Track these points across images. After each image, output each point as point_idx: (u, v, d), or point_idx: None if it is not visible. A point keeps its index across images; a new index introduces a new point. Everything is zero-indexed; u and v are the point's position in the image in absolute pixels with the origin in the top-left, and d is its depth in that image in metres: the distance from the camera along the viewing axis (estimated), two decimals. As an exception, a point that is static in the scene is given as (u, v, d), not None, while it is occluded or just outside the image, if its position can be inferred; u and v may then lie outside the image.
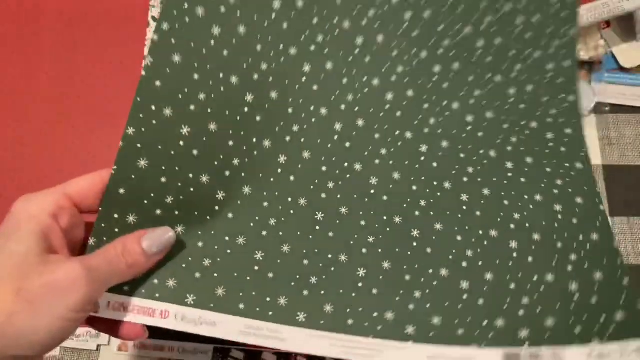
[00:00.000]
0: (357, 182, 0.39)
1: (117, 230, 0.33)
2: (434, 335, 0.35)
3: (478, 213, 0.38)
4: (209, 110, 0.34)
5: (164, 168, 0.34)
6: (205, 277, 0.34)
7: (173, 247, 0.34)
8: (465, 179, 0.40)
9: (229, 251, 0.35)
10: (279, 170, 0.38)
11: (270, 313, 0.34)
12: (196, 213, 0.36)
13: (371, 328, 0.35)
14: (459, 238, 0.38)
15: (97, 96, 0.55)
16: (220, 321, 0.33)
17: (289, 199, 0.38)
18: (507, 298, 0.36)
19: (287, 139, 0.38)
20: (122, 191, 0.33)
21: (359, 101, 0.39)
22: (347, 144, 0.40)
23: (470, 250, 0.38)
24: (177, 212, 0.35)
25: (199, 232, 0.35)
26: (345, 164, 0.40)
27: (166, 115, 0.33)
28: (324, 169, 0.39)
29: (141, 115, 0.33)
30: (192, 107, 0.34)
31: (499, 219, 0.38)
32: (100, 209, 0.32)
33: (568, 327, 0.35)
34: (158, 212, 0.34)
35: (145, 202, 0.33)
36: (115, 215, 0.33)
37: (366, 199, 0.39)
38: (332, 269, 0.36)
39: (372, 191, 0.39)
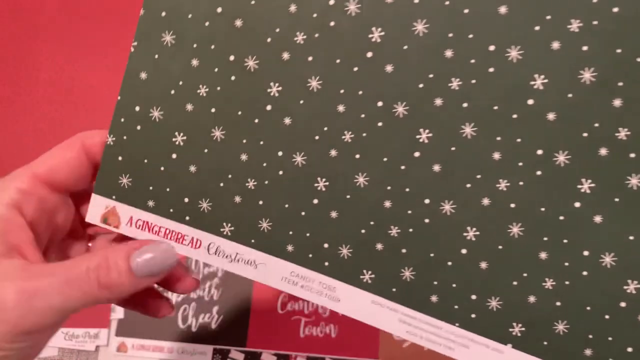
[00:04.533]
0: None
1: None
2: (536, 344, 0.24)
3: None
4: (213, 111, 0.25)
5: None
6: (247, 204, 0.26)
7: (210, 155, 0.25)
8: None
9: (281, 172, 0.25)
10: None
11: (326, 263, 0.25)
12: (239, 113, 0.25)
13: (461, 314, 0.25)
14: None
15: (98, 97, 0.52)
16: (262, 262, 0.26)
17: (372, 104, 0.24)
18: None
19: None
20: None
21: None
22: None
23: None
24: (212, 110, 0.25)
25: (244, 140, 0.25)
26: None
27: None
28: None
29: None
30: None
31: None
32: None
33: None
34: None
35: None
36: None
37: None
38: (427, 220, 0.24)
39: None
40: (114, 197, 0.27)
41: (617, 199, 0.23)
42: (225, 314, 0.46)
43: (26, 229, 0.24)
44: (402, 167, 0.24)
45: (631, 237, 0.23)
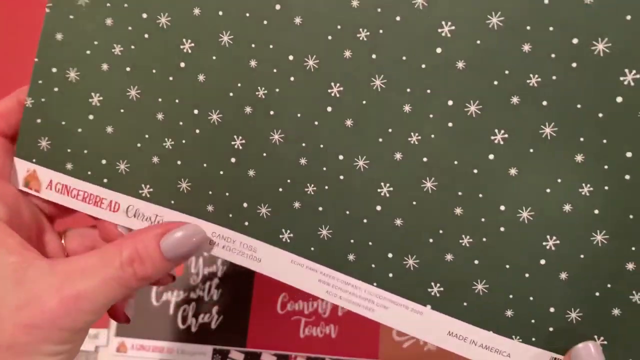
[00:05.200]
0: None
1: None
2: (471, 307, 0.23)
3: None
4: (128, 70, 0.25)
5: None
6: (166, 164, 0.25)
7: (127, 115, 0.25)
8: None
9: (197, 131, 0.25)
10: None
11: (246, 223, 0.25)
12: (154, 71, 0.25)
13: (378, 273, 0.24)
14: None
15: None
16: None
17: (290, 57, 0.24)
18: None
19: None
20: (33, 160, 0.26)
21: None
22: None
23: None
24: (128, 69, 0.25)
25: (159, 99, 0.25)
26: None
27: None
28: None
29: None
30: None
31: None
32: None
33: None
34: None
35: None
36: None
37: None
38: (341, 177, 0.24)
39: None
40: (34, 160, 0.26)
41: (531, 150, 0.22)
42: (225, 314, 0.45)
43: (11, 231, 0.24)
44: (315, 123, 0.24)
45: (548, 190, 0.22)
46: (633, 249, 0.22)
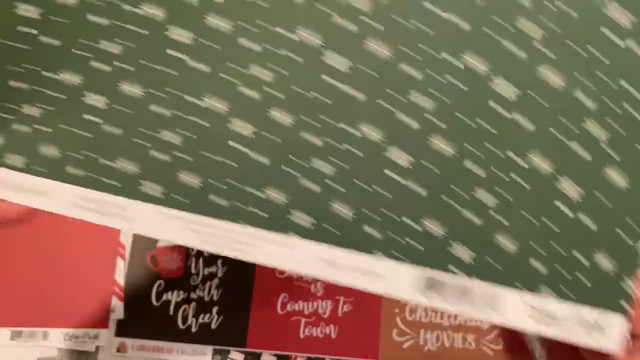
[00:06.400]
0: None
1: None
2: (335, 234, 0.22)
3: None
4: None
5: None
6: (32, 131, 0.25)
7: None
8: None
9: (59, 95, 0.25)
10: None
11: (113, 182, 0.24)
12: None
13: (248, 213, 0.23)
14: None
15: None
16: (49, 190, 0.25)
17: None
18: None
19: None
20: None
21: None
22: None
23: None
24: None
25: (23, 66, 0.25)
26: None
27: None
28: None
29: None
30: None
31: None
32: None
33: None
34: None
35: None
36: None
37: None
38: (202, 122, 0.23)
39: None
40: None
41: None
42: (225, 314, 0.45)
43: None
44: (159, 68, 0.23)
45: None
46: None
